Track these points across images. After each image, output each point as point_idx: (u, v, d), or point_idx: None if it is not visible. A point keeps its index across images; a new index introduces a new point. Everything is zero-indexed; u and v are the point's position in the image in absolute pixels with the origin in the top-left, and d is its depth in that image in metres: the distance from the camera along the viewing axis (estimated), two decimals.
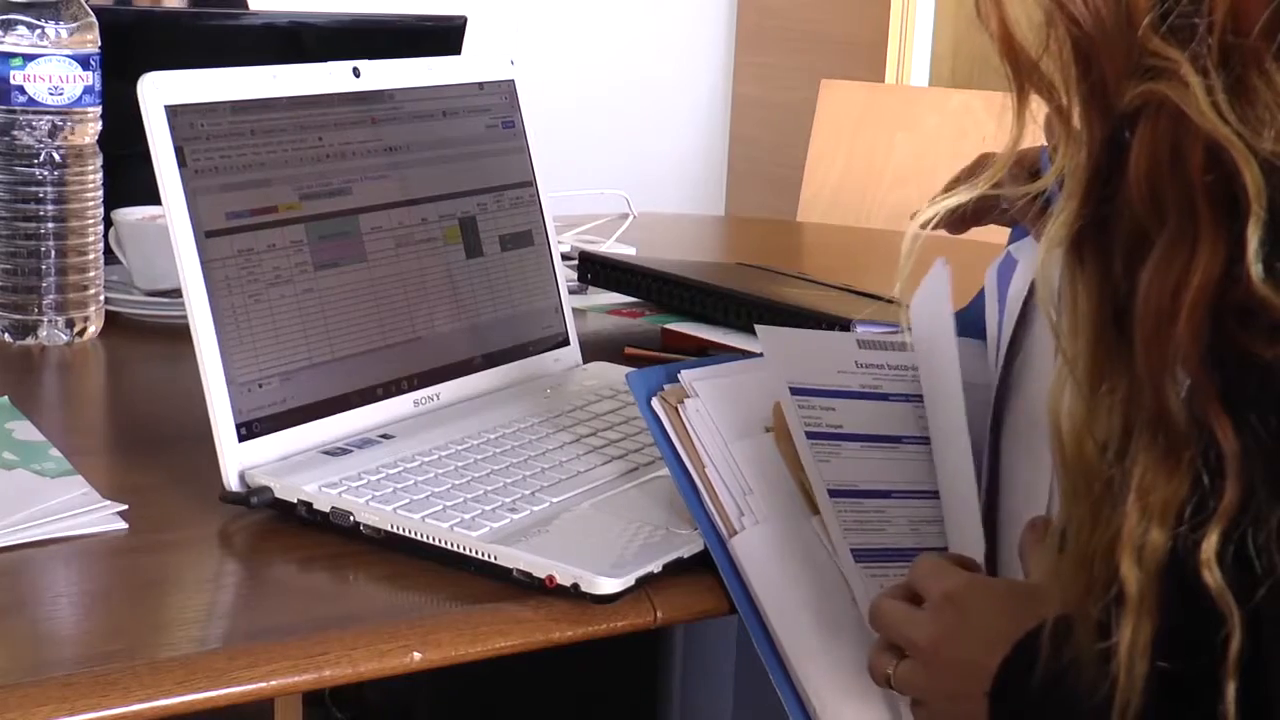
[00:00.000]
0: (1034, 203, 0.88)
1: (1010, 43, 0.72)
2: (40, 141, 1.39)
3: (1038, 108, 0.73)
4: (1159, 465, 0.68)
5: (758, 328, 1.04)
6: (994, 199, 1.12)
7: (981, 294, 1.11)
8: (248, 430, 1.04)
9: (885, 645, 0.89)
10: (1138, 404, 0.69)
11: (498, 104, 1.28)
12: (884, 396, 1.04)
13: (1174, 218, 0.66)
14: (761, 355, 1.05)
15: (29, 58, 1.37)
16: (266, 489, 1.01)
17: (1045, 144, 0.75)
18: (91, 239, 1.43)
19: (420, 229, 1.19)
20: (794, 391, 1.00)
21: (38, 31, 1.37)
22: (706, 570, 0.95)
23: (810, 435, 0.98)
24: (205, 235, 1.04)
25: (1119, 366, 0.70)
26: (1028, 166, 1.05)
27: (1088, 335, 0.71)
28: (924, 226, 0.79)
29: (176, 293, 1.07)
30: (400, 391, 1.14)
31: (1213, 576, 0.66)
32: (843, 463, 0.98)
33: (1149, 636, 0.68)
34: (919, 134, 2.43)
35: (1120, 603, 0.69)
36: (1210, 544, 0.66)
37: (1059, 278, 0.72)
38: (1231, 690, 0.66)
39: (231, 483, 1.02)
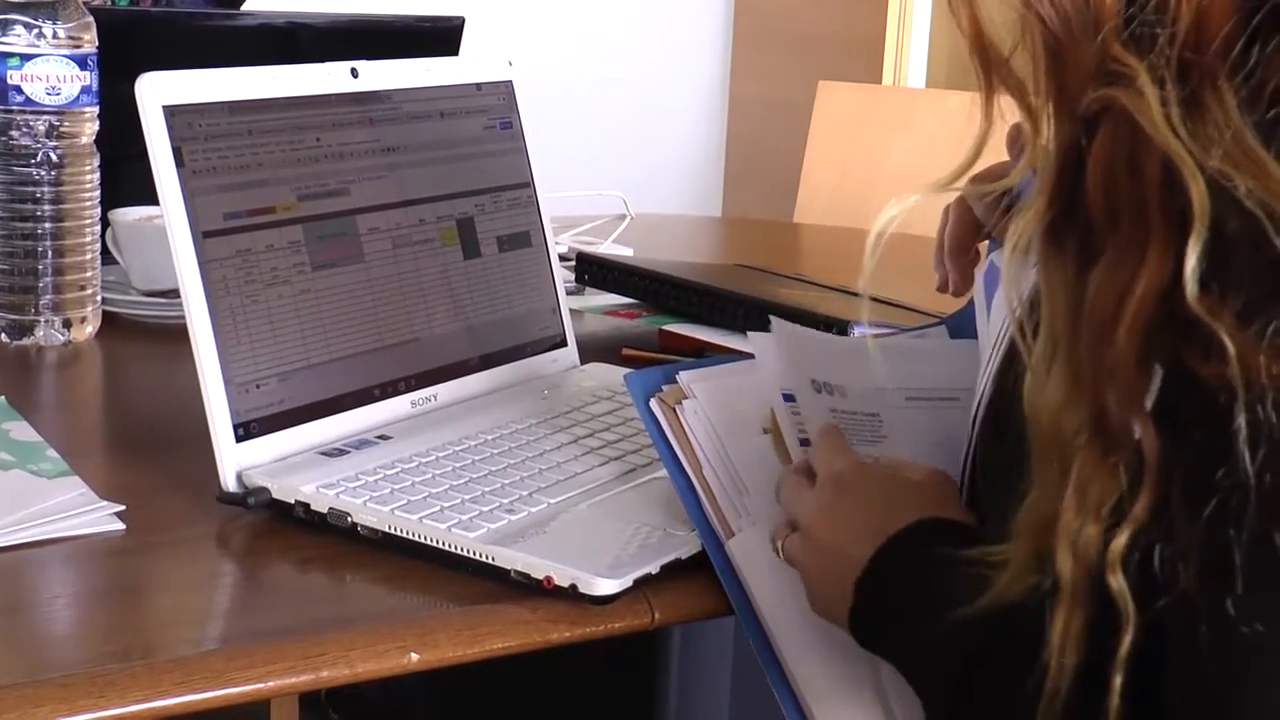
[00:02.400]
0: (1005, 213, 0.90)
1: (981, 39, 0.73)
2: (37, 141, 1.39)
3: (1006, 106, 0.74)
4: (1096, 462, 0.69)
5: (750, 334, 1.03)
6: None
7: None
8: (245, 431, 1.04)
9: (785, 517, 0.92)
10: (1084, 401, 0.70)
11: (495, 105, 1.28)
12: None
13: (1126, 225, 0.68)
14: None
15: (26, 57, 1.37)
16: (264, 490, 1.01)
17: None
18: (89, 239, 1.43)
19: (418, 230, 1.19)
20: (786, 398, 1.00)
21: (35, 31, 1.37)
22: (704, 572, 0.95)
23: (804, 443, 0.98)
24: (203, 235, 1.04)
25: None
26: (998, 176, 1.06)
27: (1061, 326, 0.71)
28: (883, 229, 0.80)
29: (174, 293, 1.07)
30: (398, 392, 1.14)
31: (1115, 578, 0.67)
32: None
33: (1080, 627, 0.70)
34: (916, 135, 2.43)
35: (1055, 592, 0.70)
36: (1118, 546, 0.67)
37: (1020, 270, 0.74)
38: (1118, 683, 0.68)
39: (229, 483, 1.02)
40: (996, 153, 0.81)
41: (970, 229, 1.12)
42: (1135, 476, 0.68)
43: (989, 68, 0.74)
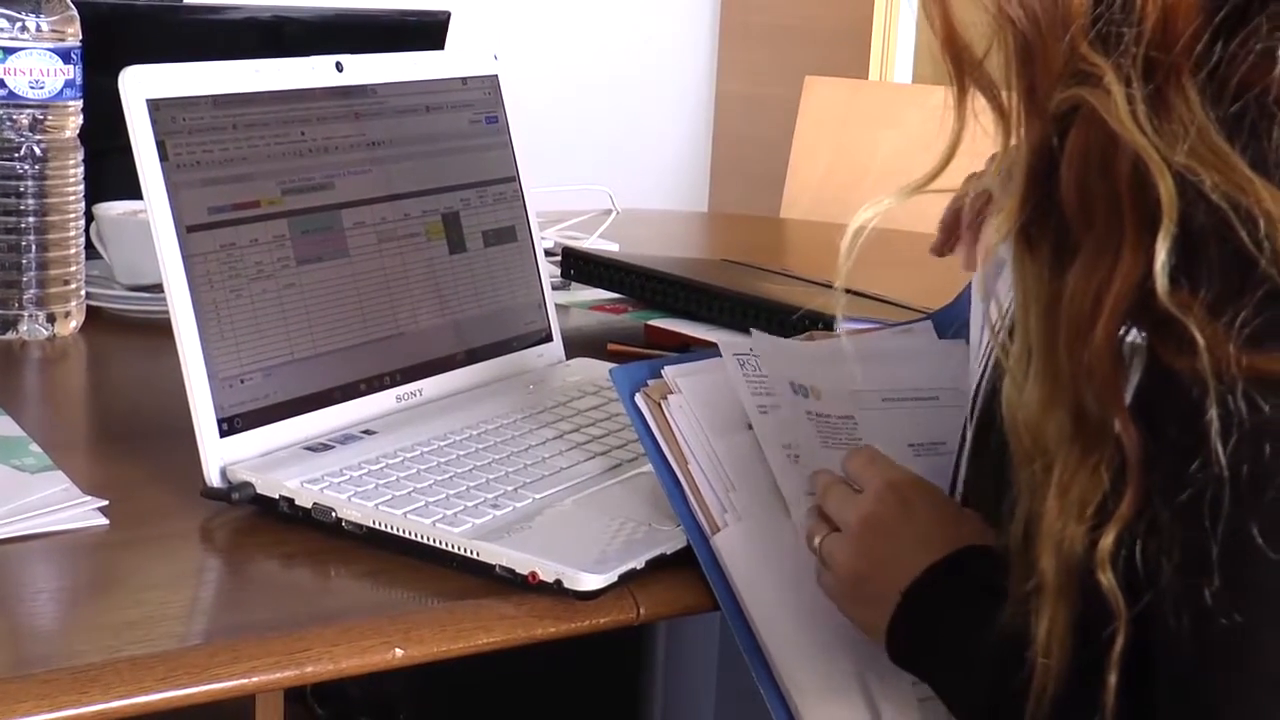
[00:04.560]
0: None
1: (953, 41, 0.74)
2: (21, 135, 1.38)
3: (980, 107, 0.75)
4: (1078, 463, 0.70)
5: (719, 344, 1.03)
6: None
7: (964, 293, 1.11)
8: (229, 425, 1.03)
9: (822, 515, 0.91)
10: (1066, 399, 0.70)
11: (481, 99, 1.28)
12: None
13: (1100, 223, 0.68)
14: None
15: (9, 51, 1.36)
16: (248, 485, 1.00)
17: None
18: (73, 233, 1.43)
19: (403, 224, 1.18)
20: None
21: (18, 24, 1.37)
22: (689, 567, 0.95)
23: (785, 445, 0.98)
24: (187, 230, 1.03)
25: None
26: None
27: (1037, 325, 0.72)
28: (860, 230, 0.80)
29: (158, 287, 1.07)
30: (383, 387, 1.14)
31: (1106, 577, 0.68)
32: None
33: (1065, 626, 0.70)
34: (902, 130, 2.43)
35: (1039, 592, 0.71)
36: (1106, 544, 0.68)
37: (996, 271, 0.74)
38: (1112, 681, 0.68)
39: (213, 478, 1.02)
40: (971, 154, 0.81)
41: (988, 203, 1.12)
42: (1118, 475, 0.68)
43: (961, 69, 0.74)
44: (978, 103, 0.75)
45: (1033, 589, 0.71)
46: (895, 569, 0.84)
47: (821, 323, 1.31)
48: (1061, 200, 0.69)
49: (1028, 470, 0.73)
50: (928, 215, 1.16)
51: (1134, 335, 0.69)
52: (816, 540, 0.90)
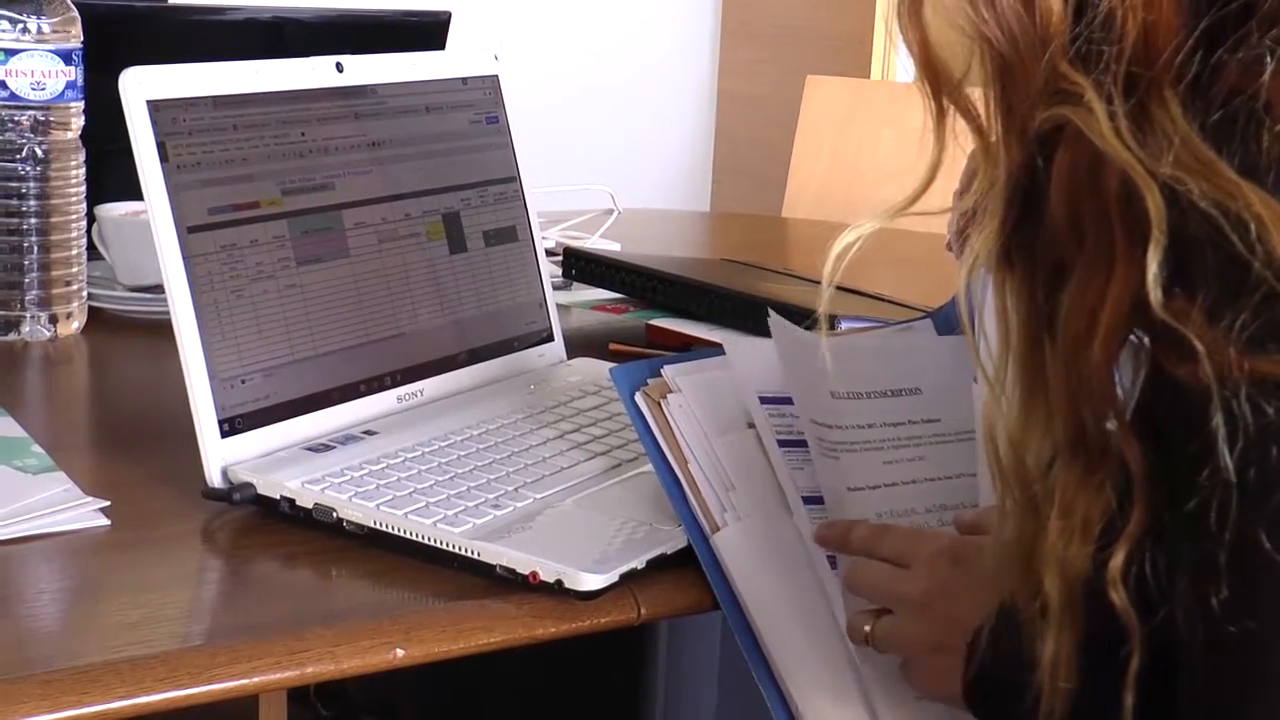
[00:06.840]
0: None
1: (931, 64, 0.73)
2: (23, 137, 1.38)
3: (960, 127, 0.74)
4: (1079, 484, 0.69)
5: (724, 343, 1.03)
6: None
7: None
8: (230, 426, 1.03)
9: (862, 606, 0.89)
10: (1059, 421, 0.70)
11: (481, 99, 1.28)
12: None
13: (1092, 240, 0.68)
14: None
15: (11, 52, 1.36)
16: (249, 485, 1.00)
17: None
18: (74, 234, 1.43)
19: (404, 224, 1.18)
20: (764, 400, 0.99)
21: (19, 26, 1.37)
22: (690, 566, 0.95)
23: (782, 444, 0.98)
24: (187, 231, 1.04)
25: (1049, 379, 0.71)
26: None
27: (1020, 348, 0.71)
28: (843, 253, 0.79)
29: (159, 288, 1.07)
30: (383, 387, 1.14)
31: (1118, 595, 0.67)
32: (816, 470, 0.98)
33: (1070, 648, 0.70)
34: (904, 130, 2.43)
35: (1044, 614, 0.70)
36: (1116, 563, 0.67)
37: (980, 294, 0.74)
38: (1130, 701, 0.68)
39: (214, 479, 1.02)
40: (953, 175, 0.81)
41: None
42: (1123, 492, 0.68)
43: (939, 91, 0.74)
44: (957, 124, 0.74)
45: (1038, 611, 0.70)
46: (964, 629, 0.81)
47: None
48: (1050, 220, 0.69)
49: (1021, 493, 0.72)
50: (927, 217, 1.16)
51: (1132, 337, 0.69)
52: (868, 628, 0.88)
